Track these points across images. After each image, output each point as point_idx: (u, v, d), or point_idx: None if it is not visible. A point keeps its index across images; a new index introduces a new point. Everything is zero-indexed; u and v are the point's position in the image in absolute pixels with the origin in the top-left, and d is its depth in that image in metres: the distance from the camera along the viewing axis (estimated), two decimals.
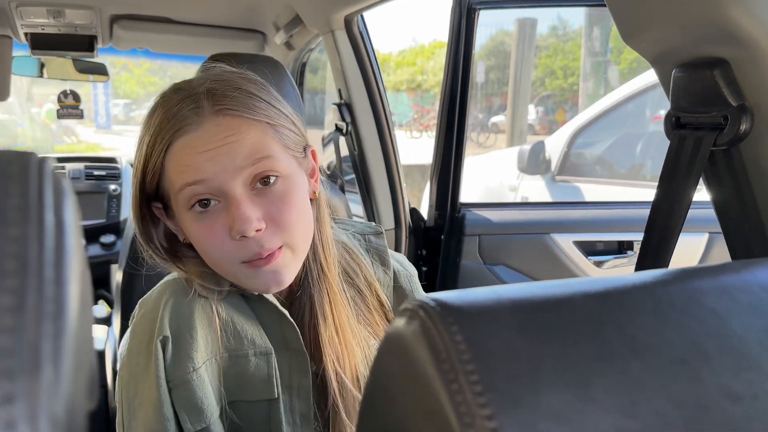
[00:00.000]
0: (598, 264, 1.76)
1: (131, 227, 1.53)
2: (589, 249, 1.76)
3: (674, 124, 0.72)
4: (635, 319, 0.35)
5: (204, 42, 2.24)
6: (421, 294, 0.94)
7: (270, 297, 0.79)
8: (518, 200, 3.94)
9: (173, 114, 0.71)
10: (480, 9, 1.60)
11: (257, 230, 0.69)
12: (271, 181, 0.71)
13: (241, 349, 0.77)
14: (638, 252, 0.77)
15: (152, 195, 0.75)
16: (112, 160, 2.69)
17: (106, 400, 1.70)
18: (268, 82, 1.55)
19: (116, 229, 2.53)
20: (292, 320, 0.80)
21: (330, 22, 1.68)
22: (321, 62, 3.08)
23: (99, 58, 2.36)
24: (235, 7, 2.03)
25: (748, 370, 0.36)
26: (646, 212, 1.82)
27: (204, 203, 0.70)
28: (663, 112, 4.21)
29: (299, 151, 0.77)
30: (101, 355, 1.69)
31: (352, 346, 0.82)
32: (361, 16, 1.70)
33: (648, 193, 3.40)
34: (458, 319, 0.32)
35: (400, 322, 0.35)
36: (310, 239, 0.78)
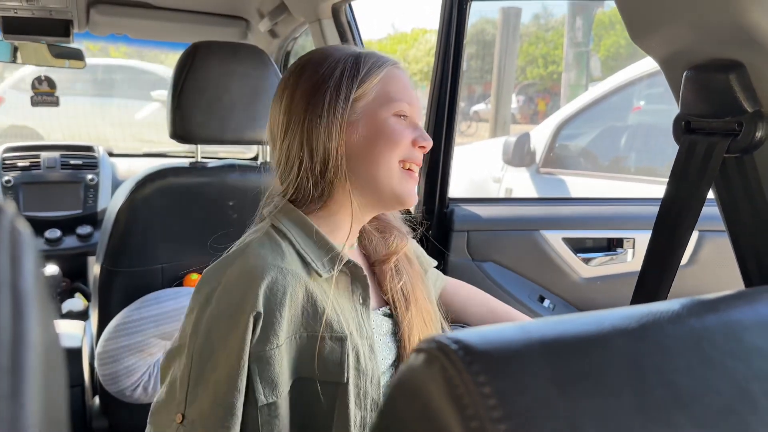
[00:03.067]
0: (587, 261, 1.74)
1: (110, 219, 1.47)
2: (578, 246, 1.73)
3: (684, 128, 0.68)
4: (677, 362, 0.32)
5: (185, 28, 2.17)
6: (429, 269, 1.11)
7: (363, 271, 0.89)
8: (502, 191, 3.93)
9: (382, 55, 0.93)
10: (471, 0, 1.55)
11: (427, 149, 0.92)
12: None
13: (318, 330, 0.82)
14: (645, 255, 0.73)
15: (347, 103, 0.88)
16: (89, 148, 2.60)
17: (83, 398, 1.65)
18: (252, 72, 1.50)
19: (93, 219, 2.46)
20: (369, 306, 0.90)
21: (317, 10, 1.63)
22: (305, 49, 3.02)
23: (75, 41, 2.28)
24: None
25: None
26: (635, 209, 1.81)
27: (402, 116, 0.90)
28: (642, 104, 4.21)
29: None
30: (77, 352, 1.63)
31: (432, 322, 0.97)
32: (349, 5, 1.65)
33: (630, 186, 3.40)
34: (485, 366, 0.29)
35: (416, 363, 0.31)
36: None
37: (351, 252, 0.93)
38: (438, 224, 1.71)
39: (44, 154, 2.49)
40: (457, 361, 0.29)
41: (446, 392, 0.29)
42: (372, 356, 0.87)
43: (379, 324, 0.93)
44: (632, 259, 1.73)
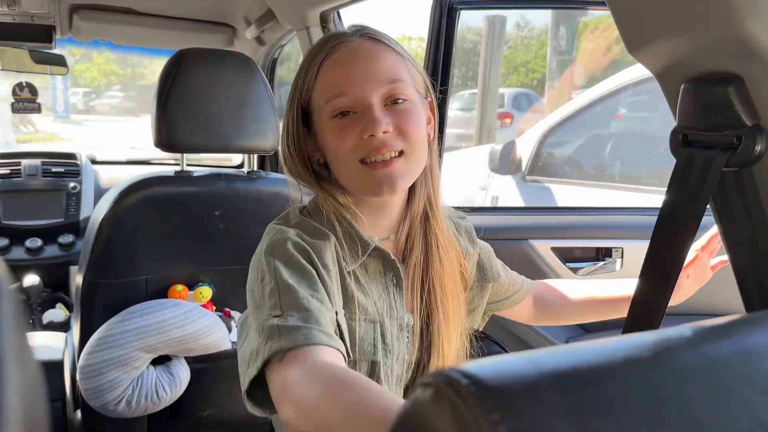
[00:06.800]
0: (575, 270, 1.74)
1: (92, 230, 1.44)
2: (567, 255, 1.73)
3: (681, 141, 0.68)
4: (692, 392, 0.31)
5: (170, 35, 2.15)
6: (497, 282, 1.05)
7: (387, 250, 0.89)
8: (489, 199, 3.93)
9: (324, 42, 0.88)
10: (461, 9, 1.55)
11: (384, 132, 0.82)
12: (400, 101, 0.85)
13: (354, 312, 0.85)
14: (643, 266, 0.72)
15: (303, 114, 0.89)
16: (71, 156, 2.55)
17: (64, 411, 1.61)
18: (239, 79, 1.49)
19: (75, 228, 2.41)
20: (402, 287, 0.90)
21: (305, 18, 1.62)
22: (292, 56, 3.00)
23: (58, 47, 2.25)
24: None
25: None
26: (624, 219, 1.81)
27: (343, 114, 0.84)
28: (624, 111, 4.23)
29: (422, 90, 0.91)
30: (58, 365, 1.59)
31: (456, 305, 0.94)
32: (338, 13, 1.64)
33: (616, 194, 3.41)
34: (498, 403, 0.27)
35: (423, 397, 0.29)
36: (424, 162, 0.89)
37: (385, 243, 0.92)
38: None
39: (25, 162, 2.45)
40: (468, 396, 0.28)
41: (457, 430, 0.27)
42: (400, 335, 0.90)
43: (408, 320, 0.92)
44: (621, 269, 1.73)
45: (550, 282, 1.18)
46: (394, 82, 0.84)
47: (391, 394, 0.63)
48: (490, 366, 0.29)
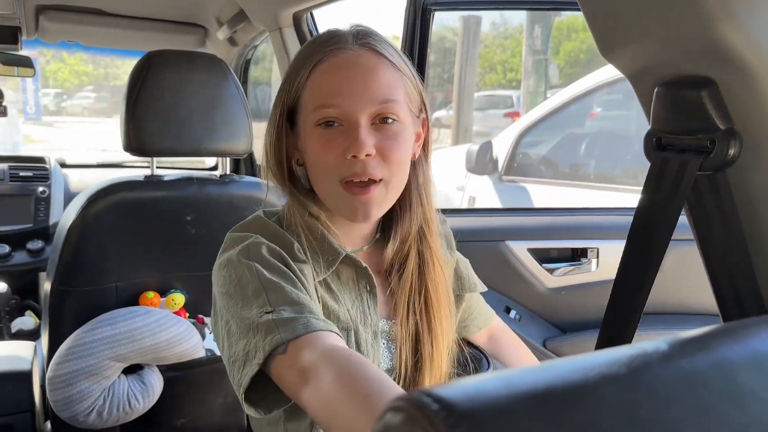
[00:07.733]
0: (551, 271, 1.74)
1: (60, 237, 1.40)
2: (543, 256, 1.73)
3: (655, 145, 0.67)
4: (672, 411, 0.30)
5: (140, 36, 2.11)
6: (472, 294, 1.06)
7: (363, 263, 0.87)
8: (466, 199, 3.94)
9: (322, 42, 0.83)
10: (435, 10, 1.54)
11: (367, 155, 0.79)
12: (389, 121, 0.81)
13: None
14: (618, 270, 0.71)
15: (289, 114, 0.85)
16: (40, 159, 2.50)
17: (33, 423, 1.57)
18: (210, 81, 1.46)
19: (44, 234, 2.36)
20: (376, 294, 0.88)
21: (277, 18, 1.60)
22: (265, 54, 2.98)
23: (26, 49, 2.20)
24: None
25: None
26: (599, 219, 1.81)
27: (329, 123, 0.80)
28: (598, 109, 4.27)
29: (415, 109, 0.87)
30: (27, 375, 1.55)
31: (448, 314, 0.92)
32: (311, 14, 1.62)
33: (591, 193, 3.44)
34: (471, 429, 0.26)
35: (392, 422, 0.28)
36: (402, 187, 0.86)
37: (357, 255, 0.90)
38: None
39: None
40: (440, 423, 0.26)
41: None
42: (375, 342, 0.88)
43: (383, 327, 0.91)
44: (596, 269, 1.74)
45: (506, 335, 1.17)
46: (386, 102, 0.81)
47: (397, 387, 0.63)
48: (462, 389, 0.28)
